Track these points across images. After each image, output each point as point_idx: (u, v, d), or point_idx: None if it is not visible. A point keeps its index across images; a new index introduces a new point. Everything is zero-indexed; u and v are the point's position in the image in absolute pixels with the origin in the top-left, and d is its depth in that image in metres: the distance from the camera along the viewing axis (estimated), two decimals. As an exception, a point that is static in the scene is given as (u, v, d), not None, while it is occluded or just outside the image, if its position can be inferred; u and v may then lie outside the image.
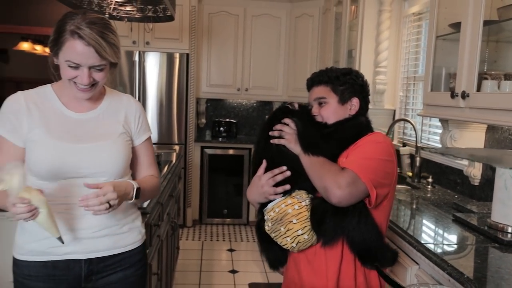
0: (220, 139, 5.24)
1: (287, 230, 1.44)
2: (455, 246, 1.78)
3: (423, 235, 1.88)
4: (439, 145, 2.72)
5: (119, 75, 4.63)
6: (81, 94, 1.43)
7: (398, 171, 3.20)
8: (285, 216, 1.43)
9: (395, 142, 3.51)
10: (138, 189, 1.45)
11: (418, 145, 2.97)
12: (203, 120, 5.45)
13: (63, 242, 1.34)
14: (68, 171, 1.41)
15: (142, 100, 4.69)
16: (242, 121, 5.59)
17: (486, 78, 1.93)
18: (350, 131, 1.52)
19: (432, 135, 3.07)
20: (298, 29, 5.04)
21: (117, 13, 2.76)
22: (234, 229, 5.00)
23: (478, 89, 1.91)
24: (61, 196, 1.41)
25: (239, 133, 5.53)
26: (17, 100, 1.45)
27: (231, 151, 5.08)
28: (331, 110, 1.53)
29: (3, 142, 1.44)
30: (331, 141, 1.49)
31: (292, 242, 1.44)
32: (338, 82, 1.55)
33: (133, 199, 1.44)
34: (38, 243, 1.42)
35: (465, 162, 2.44)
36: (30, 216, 1.24)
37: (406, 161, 3.14)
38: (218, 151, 5.06)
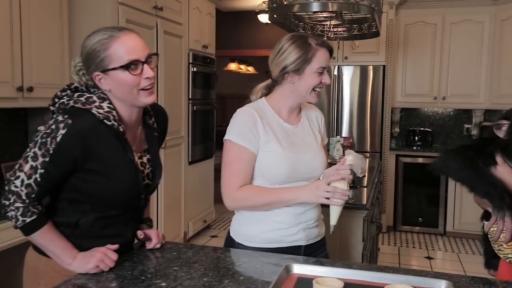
0: (414, 147, 5.27)
1: (499, 250, 1.59)
2: None
3: None
4: None
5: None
6: (316, 98, 1.68)
7: None
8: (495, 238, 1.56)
9: None
10: None
11: None
12: (397, 129, 5.55)
13: (331, 232, 1.59)
14: (295, 177, 1.63)
15: (338, 111, 5.04)
16: (437, 129, 5.51)
17: None
18: None
19: None
20: (504, 32, 4.77)
21: (334, 34, 3.15)
22: (430, 238, 4.97)
23: None
24: None
25: (435, 142, 5.46)
26: (251, 114, 1.62)
27: (426, 160, 5.06)
28: None
29: (244, 152, 1.59)
30: None
31: (506, 258, 1.58)
32: None
33: None
34: (272, 233, 1.64)
35: None
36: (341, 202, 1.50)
37: None
38: (412, 160, 5.10)
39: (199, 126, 4.66)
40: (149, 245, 1.52)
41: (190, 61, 4.32)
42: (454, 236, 4.93)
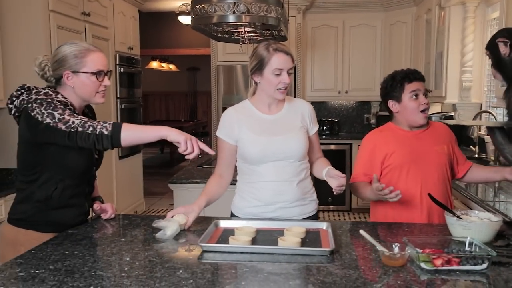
0: (323, 136, 5.95)
1: None
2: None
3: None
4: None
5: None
6: (281, 95, 1.93)
7: (484, 156, 3.68)
8: None
9: (482, 132, 3.96)
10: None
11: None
12: (309, 121, 6.20)
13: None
14: (269, 156, 1.92)
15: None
16: (343, 119, 6.25)
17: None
18: None
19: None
20: (393, 35, 5.59)
21: (247, 38, 3.64)
22: (339, 215, 5.69)
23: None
24: (269, 174, 1.93)
25: (341, 131, 6.20)
26: (229, 112, 2.01)
27: (333, 147, 5.76)
28: None
29: (224, 143, 1.99)
30: None
31: None
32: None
33: None
34: (253, 208, 1.95)
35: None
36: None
37: (491, 147, 3.60)
38: (324, 147, 5.75)
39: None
40: (106, 216, 1.90)
41: (117, 62, 4.60)
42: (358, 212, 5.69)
